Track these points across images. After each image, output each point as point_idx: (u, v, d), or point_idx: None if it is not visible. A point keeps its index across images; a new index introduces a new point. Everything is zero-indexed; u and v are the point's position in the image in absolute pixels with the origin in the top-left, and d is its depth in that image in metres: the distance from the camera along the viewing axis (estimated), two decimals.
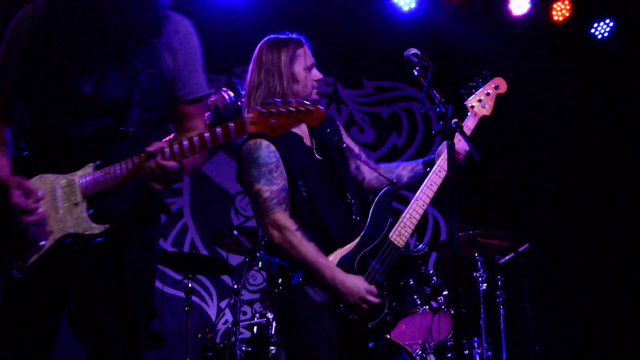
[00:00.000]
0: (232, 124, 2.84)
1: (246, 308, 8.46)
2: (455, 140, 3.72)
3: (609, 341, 9.56)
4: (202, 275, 8.86)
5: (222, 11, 9.32)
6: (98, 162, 3.03)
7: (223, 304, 8.98)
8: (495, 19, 9.86)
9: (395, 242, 4.20)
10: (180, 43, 3.26)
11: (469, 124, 4.39)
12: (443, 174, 4.21)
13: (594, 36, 9.97)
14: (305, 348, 3.87)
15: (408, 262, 4.17)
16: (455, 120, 3.68)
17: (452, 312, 6.35)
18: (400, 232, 4.23)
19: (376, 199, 4.21)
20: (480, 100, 4.54)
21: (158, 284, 8.79)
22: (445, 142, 3.98)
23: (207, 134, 2.88)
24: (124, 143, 3.08)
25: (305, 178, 4.04)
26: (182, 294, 7.56)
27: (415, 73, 4.00)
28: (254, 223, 5.08)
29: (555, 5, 9.79)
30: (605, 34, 9.92)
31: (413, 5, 9.61)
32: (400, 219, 4.24)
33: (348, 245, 4.01)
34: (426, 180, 4.24)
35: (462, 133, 3.70)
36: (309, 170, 4.08)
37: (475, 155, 3.65)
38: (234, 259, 8.39)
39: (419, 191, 4.24)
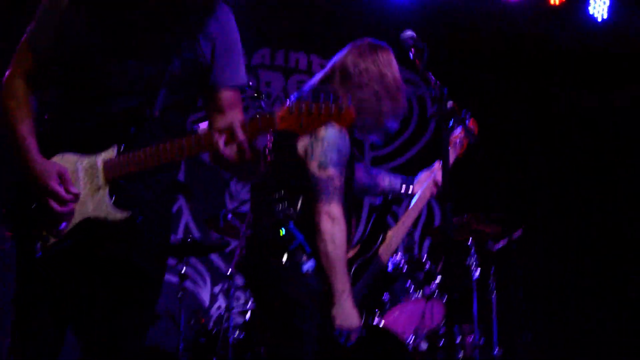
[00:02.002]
0: (260, 117, 2.77)
1: (239, 294, 8.42)
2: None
3: (603, 329, 9.55)
4: (196, 260, 8.82)
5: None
6: (122, 147, 2.97)
7: (216, 289, 8.95)
8: (492, 2, 9.80)
9: (382, 259, 4.23)
10: (220, 30, 3.19)
11: (451, 159, 4.61)
12: (422, 203, 4.48)
13: (593, 18, 9.88)
14: (292, 341, 3.86)
15: (386, 280, 4.20)
16: (450, 102, 3.65)
17: (445, 298, 6.33)
18: (386, 250, 4.29)
19: (378, 211, 4.24)
20: (458, 140, 4.72)
21: None
22: (424, 171, 4.56)
23: (238, 123, 2.80)
24: (148, 127, 3.02)
25: (347, 184, 4.09)
26: (176, 279, 7.53)
27: (411, 56, 3.97)
28: (247, 207, 5.04)
29: None
30: (604, 15, 9.82)
31: None
32: (387, 237, 4.31)
33: (351, 252, 4.01)
34: (411, 205, 4.45)
35: (458, 116, 3.67)
36: (350, 178, 4.17)
37: (470, 138, 3.63)
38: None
39: (403, 216, 4.47)
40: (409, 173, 9.76)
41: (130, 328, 3.10)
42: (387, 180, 4.65)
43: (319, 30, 9.83)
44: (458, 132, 4.72)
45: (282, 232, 3.83)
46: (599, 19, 9.86)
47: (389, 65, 4.25)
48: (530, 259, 7.74)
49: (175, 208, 9.14)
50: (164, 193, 3.19)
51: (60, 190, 2.90)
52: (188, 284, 8.31)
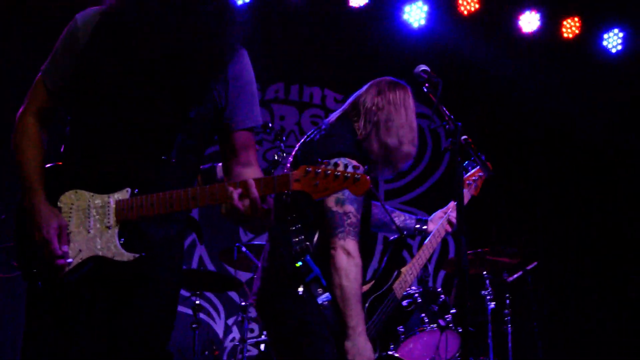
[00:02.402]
0: (277, 179, 2.81)
1: (253, 325, 8.43)
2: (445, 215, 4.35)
3: None
4: (209, 292, 8.84)
5: None
6: (136, 190, 3.00)
7: (230, 321, 8.96)
8: (505, 36, 9.85)
9: (397, 294, 4.26)
10: (235, 73, 3.22)
11: (466, 198, 4.72)
12: (437, 240, 4.54)
13: (607, 50, 9.93)
14: None
15: (401, 315, 4.22)
16: (464, 137, 3.69)
17: (460, 330, 6.33)
18: (402, 286, 4.33)
19: (392, 246, 4.27)
20: (473, 181, 4.78)
21: None
22: (439, 211, 4.64)
23: (253, 182, 2.84)
24: (163, 172, 3.04)
25: (364, 221, 4.10)
26: (189, 311, 7.55)
27: (425, 89, 4.01)
28: (262, 240, 5.07)
29: (565, 22, 9.79)
30: (619, 47, 9.89)
31: (423, 22, 9.64)
32: (403, 273, 4.34)
33: (365, 286, 4.02)
34: (425, 242, 4.53)
35: (472, 150, 3.70)
36: (367, 214, 4.17)
37: (485, 172, 3.66)
38: (243, 276, 8.37)
39: (418, 253, 4.52)
40: (422, 207, 9.82)
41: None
42: (402, 218, 4.70)
43: (333, 65, 9.89)
44: (472, 172, 4.78)
45: (299, 264, 3.83)
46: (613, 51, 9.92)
47: (404, 104, 4.27)
48: (545, 290, 7.72)
49: (189, 241, 9.17)
50: (177, 234, 3.22)
51: (55, 246, 2.94)
52: (202, 315, 8.32)
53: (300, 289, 3.85)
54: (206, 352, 7.45)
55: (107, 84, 3.06)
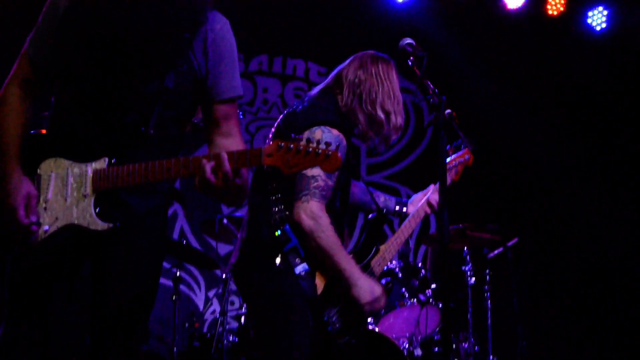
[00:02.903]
0: (249, 153, 2.80)
1: (234, 298, 8.43)
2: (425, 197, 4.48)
3: (597, 337, 9.57)
4: (190, 265, 8.84)
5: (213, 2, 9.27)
6: (113, 160, 3.00)
7: (211, 293, 8.95)
8: (489, 12, 9.83)
9: (374, 271, 4.27)
10: (215, 41, 3.20)
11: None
12: (416, 221, 4.57)
13: (591, 27, 9.93)
14: (285, 339, 3.88)
15: (358, 314, 4.21)
16: (448, 110, 3.67)
17: (440, 305, 6.35)
18: (380, 263, 4.36)
19: (370, 222, 4.28)
20: (453, 166, 4.82)
21: None
22: (419, 194, 4.70)
23: (226, 155, 2.82)
24: (142, 143, 3.04)
25: (342, 192, 4.17)
26: (170, 283, 7.53)
27: (410, 63, 3.99)
28: (244, 212, 5.04)
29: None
30: (603, 25, 9.88)
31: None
32: (381, 250, 4.37)
33: None
34: (404, 223, 4.56)
35: (456, 124, 3.69)
36: (346, 186, 4.22)
37: (469, 145, 3.65)
38: (223, 248, 8.36)
39: (397, 232, 4.50)
40: (404, 181, 9.83)
41: (118, 327, 3.13)
42: (382, 199, 4.73)
43: (317, 37, 9.85)
44: (454, 157, 4.82)
45: (278, 233, 3.84)
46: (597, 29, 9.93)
47: (388, 77, 4.29)
48: (525, 267, 7.74)
49: (170, 211, 9.14)
50: (159, 205, 3.22)
51: (21, 213, 2.94)
52: (182, 287, 8.32)
53: (278, 260, 3.85)
54: (186, 324, 7.44)
55: (83, 53, 3.06)
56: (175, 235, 9.05)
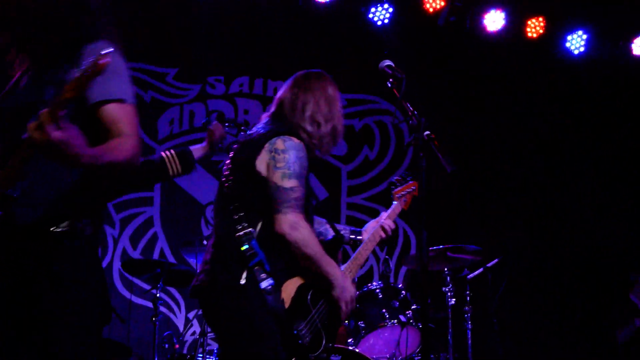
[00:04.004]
0: (57, 98, 2.88)
1: None
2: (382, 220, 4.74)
3: (578, 357, 9.60)
4: (170, 286, 8.81)
5: (195, 23, 9.32)
6: None
7: (191, 314, 8.93)
8: (470, 34, 9.89)
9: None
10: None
11: (397, 210, 5.11)
12: (371, 246, 4.78)
13: (569, 51, 10.02)
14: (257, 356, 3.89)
15: (337, 315, 4.29)
16: (427, 132, 3.71)
17: (421, 326, 6.35)
18: None
19: (328, 247, 4.34)
20: (402, 195, 5.22)
21: (126, 293, 8.72)
22: (371, 222, 4.88)
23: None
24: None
25: (312, 200, 4.30)
26: (150, 304, 7.50)
27: (389, 85, 4.03)
28: None
29: (529, 22, 9.86)
30: (581, 49, 9.98)
31: (387, 21, 9.66)
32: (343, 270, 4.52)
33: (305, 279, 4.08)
34: (358, 249, 4.71)
35: (435, 145, 3.72)
36: (313, 195, 4.36)
37: (447, 167, 3.67)
38: None
39: (352, 259, 4.67)
40: (385, 203, 9.82)
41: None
42: (336, 229, 4.79)
43: (298, 59, 9.88)
44: (402, 187, 5.05)
45: (245, 247, 3.90)
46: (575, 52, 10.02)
47: (319, 89, 4.42)
48: (506, 287, 7.77)
49: (150, 234, 9.14)
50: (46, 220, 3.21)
51: None
52: (162, 309, 8.29)
53: (243, 278, 3.89)
54: (166, 345, 7.40)
55: None
56: (155, 256, 9.03)
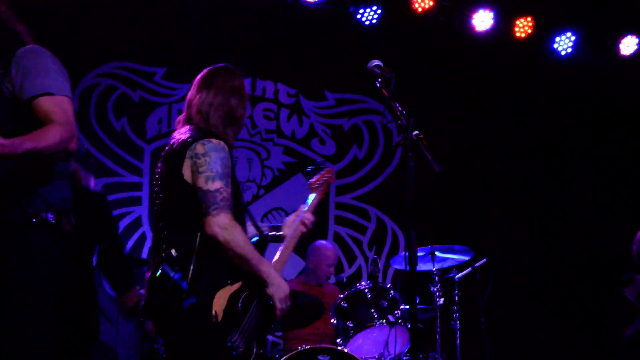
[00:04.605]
0: None
1: None
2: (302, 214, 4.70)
3: (566, 357, 9.62)
4: None
5: (183, 23, 9.31)
6: None
7: None
8: (458, 33, 9.90)
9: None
10: (15, 64, 3.59)
11: (315, 202, 5.03)
12: (294, 242, 4.70)
13: (556, 52, 10.05)
14: None
15: (272, 313, 4.28)
16: (416, 132, 3.70)
17: (409, 326, 6.36)
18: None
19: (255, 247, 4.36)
20: (319, 185, 5.13)
21: (113, 293, 8.70)
22: (290, 216, 4.83)
23: None
24: None
25: (240, 198, 4.31)
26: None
27: (378, 84, 4.03)
28: None
29: (518, 22, 9.87)
30: (569, 50, 10.02)
31: (375, 21, 9.65)
32: None
33: (234, 286, 4.08)
34: (282, 246, 4.66)
35: (423, 145, 3.71)
36: (240, 192, 4.38)
37: (435, 167, 3.67)
38: None
39: (278, 255, 4.62)
40: (374, 202, 9.82)
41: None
42: (259, 228, 4.80)
43: (286, 59, 9.89)
44: (318, 176, 5.04)
45: (158, 273, 3.91)
46: (563, 53, 10.05)
47: (211, 81, 4.45)
48: (494, 287, 7.77)
49: (138, 234, 9.12)
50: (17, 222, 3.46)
51: None
52: None
53: (165, 298, 3.92)
54: (155, 345, 7.39)
55: None
56: (144, 255, 9.01)
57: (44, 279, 3.50)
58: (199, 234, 3.98)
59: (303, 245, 7.99)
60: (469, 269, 7.37)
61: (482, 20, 9.74)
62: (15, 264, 3.43)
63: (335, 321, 6.49)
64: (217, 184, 3.96)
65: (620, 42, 9.94)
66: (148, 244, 9.12)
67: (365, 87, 9.96)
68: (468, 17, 9.77)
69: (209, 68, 4.56)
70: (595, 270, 9.76)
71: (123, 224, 9.07)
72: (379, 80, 4.07)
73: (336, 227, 9.80)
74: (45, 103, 3.53)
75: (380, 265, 9.52)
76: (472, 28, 9.78)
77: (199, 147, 4.03)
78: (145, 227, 9.15)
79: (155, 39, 9.30)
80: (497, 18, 9.80)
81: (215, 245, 3.94)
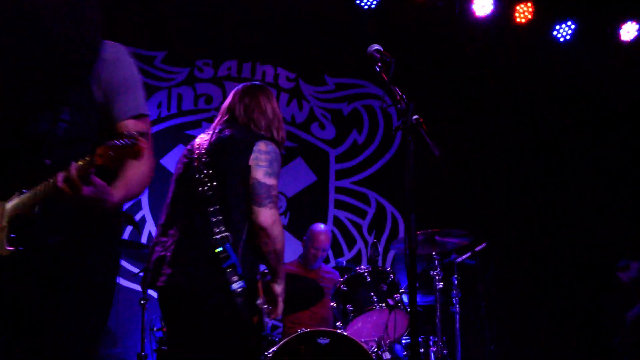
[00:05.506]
0: (84, 161, 2.90)
1: None
2: None
3: (564, 341, 9.66)
4: None
5: (183, 6, 9.30)
6: (24, 191, 3.10)
7: None
8: (458, 18, 9.90)
9: None
10: (108, 71, 3.31)
11: None
12: None
13: (556, 39, 10.06)
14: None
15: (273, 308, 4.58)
16: (416, 116, 3.72)
17: (409, 309, 6.38)
18: None
19: None
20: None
21: None
22: None
23: (73, 163, 2.92)
24: (43, 174, 3.10)
25: None
26: (138, 287, 7.51)
27: (378, 69, 4.05)
28: None
29: (518, 7, 9.87)
30: (568, 37, 10.03)
31: (373, 6, 9.66)
32: None
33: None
34: None
35: (423, 130, 3.73)
36: None
37: (434, 151, 3.68)
38: None
39: None
40: (373, 187, 9.84)
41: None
42: None
43: (286, 43, 9.88)
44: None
45: (219, 250, 4.00)
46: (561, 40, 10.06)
47: (267, 100, 4.70)
48: (494, 271, 7.80)
49: (138, 217, 9.13)
50: (75, 235, 3.29)
51: None
52: (151, 292, 8.27)
53: (216, 276, 4.00)
54: (154, 328, 7.41)
55: None
56: (144, 240, 9.03)
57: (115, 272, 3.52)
58: (246, 225, 4.17)
59: (304, 228, 8.03)
60: (468, 253, 7.39)
61: (483, 5, 9.73)
62: (99, 259, 3.39)
63: (334, 304, 6.52)
64: (273, 181, 4.20)
65: (620, 28, 9.92)
66: (148, 227, 9.15)
67: (365, 72, 9.96)
68: (468, 2, 9.76)
69: (250, 83, 4.87)
70: (593, 256, 9.79)
71: (123, 207, 9.07)
72: (379, 64, 4.10)
73: (336, 211, 9.81)
74: (135, 127, 3.32)
75: (380, 249, 9.56)
76: (472, 13, 9.77)
77: (262, 145, 4.26)
78: (145, 211, 9.17)
79: (154, 23, 9.30)
80: (498, 3, 9.79)
81: (257, 235, 4.16)
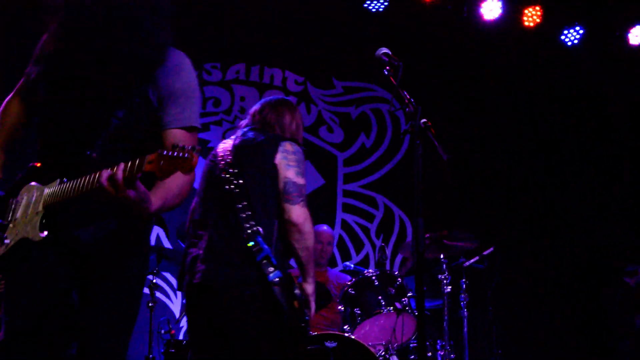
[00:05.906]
0: (132, 161, 2.90)
1: None
2: None
3: (571, 346, 9.64)
4: (166, 271, 8.82)
5: (191, 9, 9.31)
6: (65, 180, 3.16)
7: None
8: (466, 22, 9.90)
9: None
10: (167, 77, 3.34)
11: None
12: None
13: (564, 43, 10.05)
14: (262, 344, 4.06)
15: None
16: (424, 120, 3.73)
17: (416, 313, 6.37)
18: None
19: None
20: None
21: None
22: None
23: (122, 164, 2.94)
24: (87, 166, 3.14)
25: None
26: (146, 290, 7.50)
27: (386, 72, 4.06)
28: None
29: (526, 11, 9.86)
30: (575, 41, 10.02)
31: (381, 9, 9.68)
32: None
33: None
34: None
35: (431, 133, 3.73)
36: None
37: (443, 155, 3.69)
38: None
39: None
40: (382, 190, 9.83)
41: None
42: None
43: (294, 46, 9.89)
44: None
45: (251, 244, 4.04)
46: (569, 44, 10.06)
47: (292, 117, 4.64)
48: (501, 275, 7.79)
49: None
50: (110, 232, 3.32)
51: None
52: (158, 294, 8.29)
53: (253, 268, 4.04)
54: (162, 331, 7.42)
55: (44, 82, 3.29)
56: (152, 241, 9.02)
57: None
58: (277, 221, 4.23)
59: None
60: (476, 257, 7.38)
61: (491, 9, 9.73)
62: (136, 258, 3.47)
63: (342, 308, 6.51)
64: (303, 180, 4.30)
65: (629, 33, 9.91)
66: (156, 230, 9.14)
67: (373, 75, 9.96)
68: (476, 5, 9.76)
69: (278, 97, 4.84)
70: (599, 260, 9.77)
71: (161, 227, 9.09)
72: (387, 68, 4.11)
73: (344, 214, 9.81)
74: (182, 138, 3.31)
75: (388, 252, 9.55)
76: (480, 16, 9.77)
77: (289, 146, 4.34)
78: (158, 228, 9.15)
79: None
80: (506, 7, 9.79)
81: (290, 232, 4.23)
